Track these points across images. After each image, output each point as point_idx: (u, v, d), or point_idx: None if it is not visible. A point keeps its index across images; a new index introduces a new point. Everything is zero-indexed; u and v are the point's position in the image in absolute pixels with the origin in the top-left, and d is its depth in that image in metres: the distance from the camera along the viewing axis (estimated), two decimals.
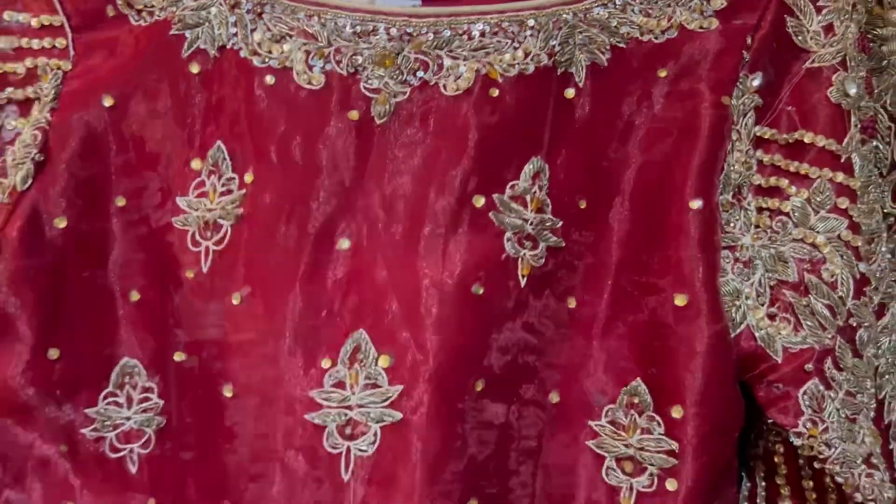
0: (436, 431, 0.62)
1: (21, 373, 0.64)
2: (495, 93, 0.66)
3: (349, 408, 0.62)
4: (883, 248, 0.69)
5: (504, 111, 0.66)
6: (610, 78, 0.68)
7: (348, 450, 0.62)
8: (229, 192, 0.67)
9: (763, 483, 0.71)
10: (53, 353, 0.65)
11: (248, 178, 0.67)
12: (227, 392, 0.65)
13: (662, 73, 0.68)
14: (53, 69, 0.67)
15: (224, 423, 0.66)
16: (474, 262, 0.64)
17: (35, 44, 0.67)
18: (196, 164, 0.67)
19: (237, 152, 0.67)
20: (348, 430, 0.62)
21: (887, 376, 0.68)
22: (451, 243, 0.64)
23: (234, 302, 0.66)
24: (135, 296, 0.67)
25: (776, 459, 0.70)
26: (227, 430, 0.66)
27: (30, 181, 0.65)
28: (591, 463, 0.67)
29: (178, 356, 0.67)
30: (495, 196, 0.65)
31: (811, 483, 0.69)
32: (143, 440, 0.66)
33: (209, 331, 0.67)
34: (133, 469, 0.67)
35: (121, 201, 0.67)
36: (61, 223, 0.65)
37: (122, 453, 0.66)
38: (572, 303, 0.68)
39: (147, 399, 0.67)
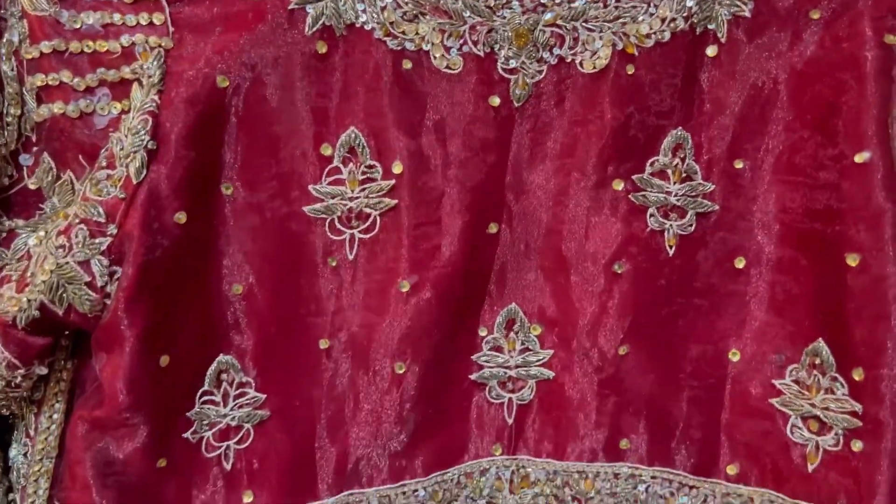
0: (583, 392, 0.61)
1: (129, 383, 0.54)
2: (631, 70, 0.57)
3: (508, 367, 0.61)
4: None
5: (639, 89, 0.57)
6: (755, 27, 0.57)
7: (510, 400, 0.61)
8: (371, 180, 0.58)
9: None
10: (164, 360, 0.55)
11: (397, 168, 0.58)
12: (399, 369, 0.60)
13: (815, 15, 0.57)
14: (154, 47, 0.54)
15: (379, 400, 0.61)
16: (615, 242, 0.60)
17: (129, 20, 0.55)
18: (327, 149, 0.57)
19: (377, 140, 0.58)
20: (510, 385, 0.61)
21: None
22: (591, 227, 0.60)
23: (403, 290, 0.59)
24: (237, 289, 0.58)
25: None
26: (395, 406, 0.61)
27: (144, 172, 0.53)
28: (776, 420, 0.61)
29: (324, 343, 0.60)
30: (635, 177, 0.59)
31: None
32: (239, 436, 0.59)
33: (367, 317, 0.60)
34: (227, 465, 0.59)
35: (228, 189, 0.56)
36: (182, 218, 0.54)
37: (217, 451, 0.59)
38: (740, 263, 0.60)
39: (243, 394, 0.59)
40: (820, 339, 0.58)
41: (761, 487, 0.61)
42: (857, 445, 0.57)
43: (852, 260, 0.55)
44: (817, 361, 0.58)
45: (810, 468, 0.59)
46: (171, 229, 0.54)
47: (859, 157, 0.55)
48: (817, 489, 0.59)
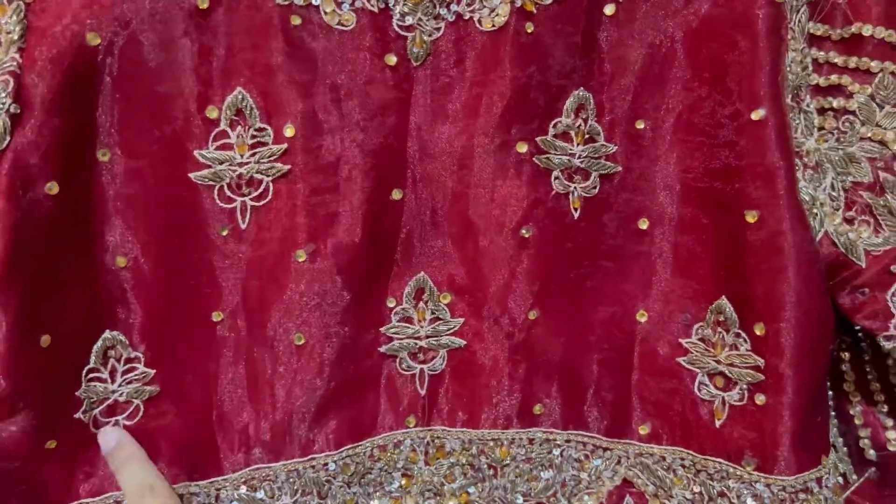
0: (495, 359, 0.59)
1: (7, 368, 0.48)
2: (531, 28, 0.54)
3: (419, 338, 0.57)
4: None
5: (540, 49, 0.54)
6: None
7: (421, 371, 0.58)
8: (261, 144, 0.53)
9: (831, 392, 0.63)
10: (45, 340, 0.50)
11: (289, 131, 0.53)
12: (298, 340, 0.55)
13: None
14: (12, 0, 0.47)
15: (280, 373, 0.56)
16: (521, 206, 0.56)
17: None
18: (212, 112, 0.52)
19: (266, 101, 0.53)
20: (420, 356, 0.58)
21: None
22: (497, 190, 0.56)
23: (300, 259, 0.54)
24: (121, 261, 0.52)
25: (843, 367, 0.61)
26: (298, 379, 0.56)
27: (8, 139, 0.47)
28: (684, 378, 0.59)
29: (217, 316, 0.55)
30: (538, 139, 0.56)
31: (878, 385, 0.61)
32: (128, 411, 0.54)
33: (262, 288, 0.55)
34: None
35: (104, 155, 0.51)
36: (53, 188, 0.48)
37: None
38: (644, 224, 0.58)
39: (132, 370, 0.54)
40: (723, 296, 0.56)
41: (672, 446, 0.60)
42: (760, 399, 0.55)
43: (751, 217, 0.54)
44: (721, 318, 0.57)
45: (717, 424, 0.58)
46: (43, 201, 0.48)
47: (755, 115, 0.53)
48: (724, 444, 0.57)
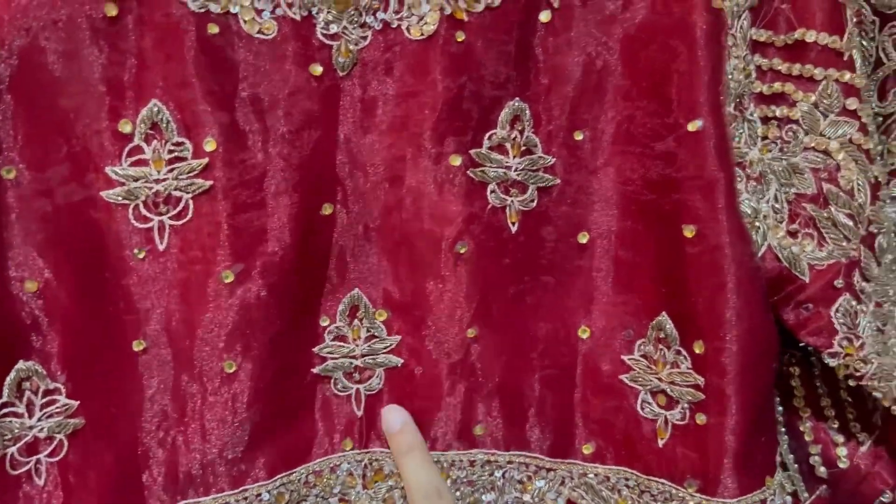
0: (433, 378, 0.56)
1: None
2: (461, 37, 0.51)
3: (354, 357, 0.55)
4: (879, 149, 0.57)
5: (472, 58, 0.52)
6: None
7: (358, 391, 0.56)
8: (180, 159, 0.50)
9: (780, 408, 0.61)
10: None
11: (209, 145, 0.50)
12: (229, 368, 0.52)
13: None
14: None
15: (210, 402, 0.53)
16: (456, 221, 0.54)
17: None
18: (126, 126, 0.48)
19: (184, 114, 0.49)
20: (356, 376, 0.55)
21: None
22: (431, 204, 0.54)
23: (226, 281, 0.51)
24: (31, 286, 0.49)
25: (792, 383, 0.59)
26: (228, 407, 0.53)
27: None
28: (627, 396, 0.56)
29: (138, 345, 0.51)
30: (473, 152, 0.53)
31: (829, 401, 0.59)
32: (51, 448, 0.50)
33: (186, 313, 0.52)
34: (40, 481, 0.50)
35: (9, 173, 0.47)
36: None
37: (25, 467, 0.50)
38: (584, 238, 0.56)
39: (52, 402, 0.50)
40: (664, 312, 0.54)
41: (617, 465, 0.57)
42: (700, 419, 0.53)
43: (689, 231, 0.51)
44: (662, 335, 0.55)
45: (660, 443, 0.55)
46: None
47: (692, 126, 0.51)
48: (668, 464, 0.55)
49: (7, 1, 0.46)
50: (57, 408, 0.50)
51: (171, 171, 0.50)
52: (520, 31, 0.53)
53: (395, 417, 0.53)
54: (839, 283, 0.51)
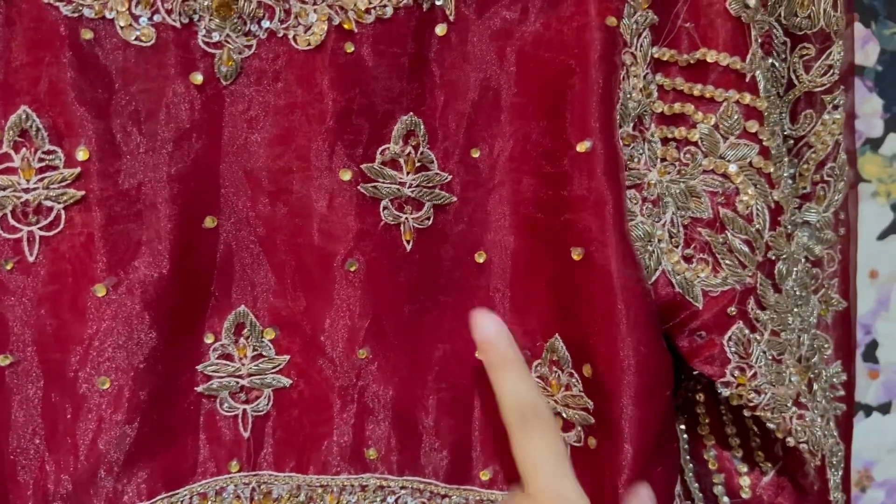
0: (323, 400, 0.54)
1: None
2: (351, 48, 0.50)
3: (240, 377, 0.53)
4: (785, 174, 0.56)
5: (362, 70, 0.50)
6: (484, 4, 0.51)
7: (244, 412, 0.54)
8: (51, 168, 0.48)
9: (685, 435, 0.59)
10: None
11: (82, 154, 0.48)
12: (103, 384, 0.50)
13: None
14: None
15: (83, 420, 0.50)
16: (346, 237, 0.52)
17: None
18: None
19: (55, 122, 0.48)
20: (243, 396, 0.53)
21: (795, 309, 0.55)
22: (319, 220, 0.52)
23: (99, 294, 0.49)
24: None
25: (698, 409, 0.57)
26: (103, 426, 0.51)
27: None
28: None
29: (4, 359, 0.49)
30: (364, 166, 0.51)
31: (734, 429, 0.57)
32: None
33: (57, 327, 0.50)
34: None
35: None
36: None
37: None
38: (481, 257, 0.54)
39: None
40: (556, 334, 0.52)
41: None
42: (591, 442, 0.51)
43: (577, 254, 0.50)
44: (555, 357, 0.53)
45: None
46: None
47: (581, 146, 0.49)
48: None
49: None
50: None
51: (42, 180, 0.48)
52: (414, 44, 0.51)
53: (487, 323, 0.46)
54: (732, 310, 0.50)
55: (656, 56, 0.52)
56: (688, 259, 0.51)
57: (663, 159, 0.52)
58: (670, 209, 0.51)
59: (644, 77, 0.51)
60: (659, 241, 0.51)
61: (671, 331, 0.51)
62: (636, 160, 0.51)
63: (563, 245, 0.50)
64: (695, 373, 0.52)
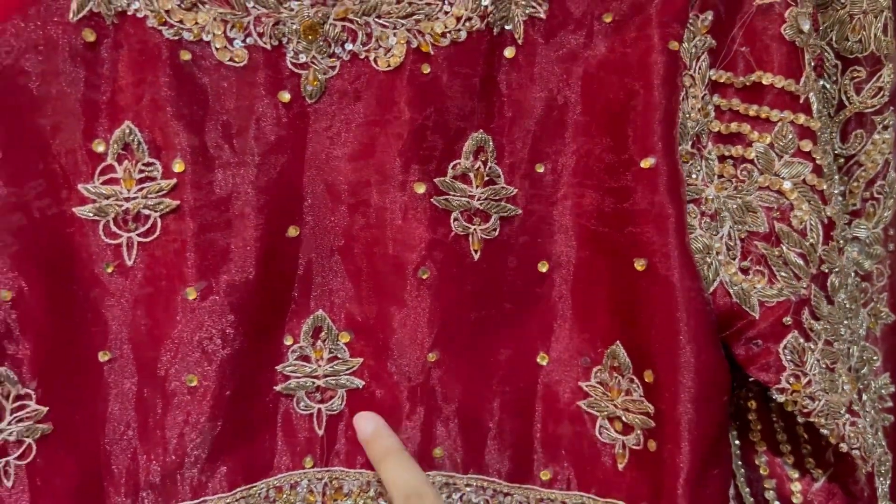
0: (394, 401, 0.56)
1: None
2: (427, 69, 0.53)
3: (317, 377, 0.56)
4: (836, 191, 0.58)
5: (437, 90, 0.53)
6: (551, 29, 0.54)
7: (319, 411, 0.56)
8: (150, 178, 0.51)
9: (737, 441, 0.61)
10: None
11: (178, 166, 0.51)
12: (191, 382, 0.53)
13: (608, 19, 0.53)
14: None
15: (172, 415, 0.53)
16: (419, 247, 0.55)
17: None
18: (99, 146, 0.50)
19: (155, 136, 0.51)
20: (318, 396, 0.56)
21: (846, 321, 0.57)
22: (395, 230, 0.55)
23: (190, 297, 0.52)
24: (6, 295, 0.50)
25: (749, 417, 0.59)
26: (190, 421, 0.54)
27: None
28: (585, 422, 0.57)
29: (104, 356, 0.53)
30: (437, 180, 0.54)
31: (785, 436, 0.58)
32: (20, 451, 0.51)
33: (151, 327, 0.53)
34: (8, 483, 0.51)
35: None
36: None
37: None
38: (544, 267, 0.57)
39: (22, 407, 0.50)
40: (618, 341, 0.55)
41: (574, 491, 0.57)
42: (652, 445, 0.53)
43: (639, 264, 0.52)
44: (616, 363, 0.55)
45: (620, 467, 0.56)
46: None
47: (645, 163, 0.52)
48: (626, 489, 0.55)
49: None
50: (27, 413, 0.51)
51: (141, 190, 0.51)
52: (484, 66, 0.54)
53: (366, 424, 0.53)
54: (788, 320, 0.52)
55: (713, 78, 0.54)
56: (744, 271, 0.53)
57: (720, 176, 0.54)
58: (727, 223, 0.54)
59: (702, 98, 0.54)
60: (717, 253, 0.53)
61: (728, 339, 0.54)
62: (694, 176, 0.54)
63: (625, 256, 0.53)
64: (751, 379, 0.53)
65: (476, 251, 0.56)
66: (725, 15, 0.54)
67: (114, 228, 0.52)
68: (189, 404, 0.53)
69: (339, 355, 0.56)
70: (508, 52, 0.54)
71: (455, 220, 0.55)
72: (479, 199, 0.55)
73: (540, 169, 0.55)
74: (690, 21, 0.52)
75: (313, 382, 0.56)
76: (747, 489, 0.60)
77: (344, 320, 0.56)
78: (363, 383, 0.57)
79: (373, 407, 0.57)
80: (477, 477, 0.58)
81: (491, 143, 0.55)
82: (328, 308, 0.56)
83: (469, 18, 0.53)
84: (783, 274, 0.52)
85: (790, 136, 0.53)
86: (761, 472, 0.60)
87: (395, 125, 0.53)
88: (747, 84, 0.54)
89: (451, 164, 0.55)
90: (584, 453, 0.57)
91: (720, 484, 0.54)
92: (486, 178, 0.55)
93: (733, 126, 0.54)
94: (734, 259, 0.53)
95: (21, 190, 0.50)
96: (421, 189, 0.54)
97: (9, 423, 0.51)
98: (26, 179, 0.50)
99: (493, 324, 0.57)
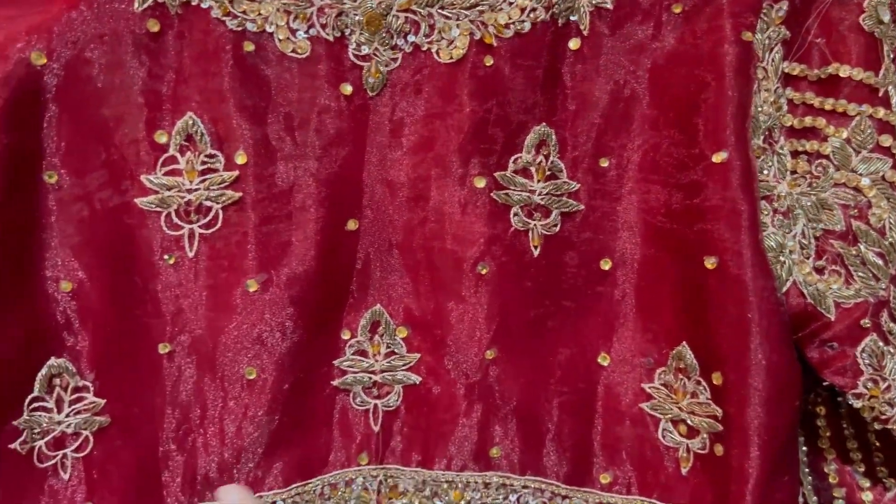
0: (451, 398, 0.55)
1: None
2: (490, 61, 0.51)
3: (373, 372, 0.55)
4: None
5: (500, 82, 0.52)
6: (618, 20, 0.52)
7: (375, 406, 0.55)
8: (212, 170, 0.51)
9: (804, 448, 0.58)
10: None
11: (241, 158, 0.51)
12: (250, 375, 0.52)
13: (677, 9, 0.52)
14: None
15: (230, 408, 0.53)
16: (478, 242, 0.54)
17: None
18: (161, 137, 0.50)
19: (217, 127, 0.51)
20: (375, 391, 0.55)
21: None
22: (454, 224, 0.53)
23: (251, 290, 0.52)
24: (66, 286, 0.49)
25: (818, 422, 0.57)
26: (248, 414, 0.53)
27: None
28: (647, 424, 0.55)
29: (163, 348, 0.52)
30: (497, 174, 0.53)
31: (855, 443, 0.56)
32: (77, 443, 0.51)
33: (211, 319, 0.52)
34: (65, 476, 0.51)
35: (52, 177, 0.48)
36: None
37: (52, 461, 0.50)
38: (606, 264, 0.55)
39: (80, 399, 0.50)
40: (684, 342, 0.53)
41: (634, 495, 0.55)
42: (718, 450, 0.51)
43: (710, 263, 0.50)
44: (682, 365, 0.53)
45: (684, 471, 0.54)
46: None
47: (717, 157, 0.50)
48: (689, 493, 0.54)
49: (56, 16, 0.47)
50: (84, 405, 0.51)
51: (203, 181, 0.51)
52: (548, 57, 0.52)
53: (230, 499, 0.47)
54: (866, 322, 0.49)
55: (786, 70, 0.52)
56: (819, 270, 0.51)
57: (793, 172, 0.52)
58: (801, 221, 0.51)
59: (774, 91, 0.52)
60: (790, 252, 0.51)
61: (801, 341, 0.51)
62: (766, 172, 0.52)
63: (694, 254, 0.51)
64: (825, 383, 0.51)
65: (536, 247, 0.54)
66: (801, 4, 0.51)
67: (176, 220, 0.51)
68: (248, 398, 0.53)
69: (397, 350, 0.55)
70: (573, 44, 0.52)
71: (515, 215, 0.54)
72: (539, 194, 0.54)
73: (604, 163, 0.54)
74: (764, 11, 0.50)
75: (370, 377, 0.55)
76: (815, 498, 0.58)
77: (402, 315, 0.55)
78: (420, 379, 0.56)
79: (429, 403, 0.56)
80: (534, 479, 0.56)
81: (553, 137, 0.53)
82: (386, 302, 0.55)
83: (534, 9, 0.51)
84: (861, 274, 0.50)
85: (868, 131, 0.51)
86: (830, 480, 0.57)
87: (455, 118, 0.52)
88: (822, 77, 0.52)
89: (513, 158, 0.53)
90: (646, 457, 0.55)
91: (789, 491, 0.52)
92: (548, 173, 0.54)
93: (807, 120, 0.52)
94: (808, 258, 0.51)
95: (83, 181, 0.50)
96: (481, 183, 0.53)
97: (66, 415, 0.51)
98: (89, 171, 0.50)
99: (552, 322, 0.56)
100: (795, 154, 0.52)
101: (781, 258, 0.50)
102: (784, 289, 0.50)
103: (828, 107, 0.51)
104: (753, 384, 0.49)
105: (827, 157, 0.51)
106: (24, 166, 0.48)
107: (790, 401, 0.50)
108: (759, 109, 0.51)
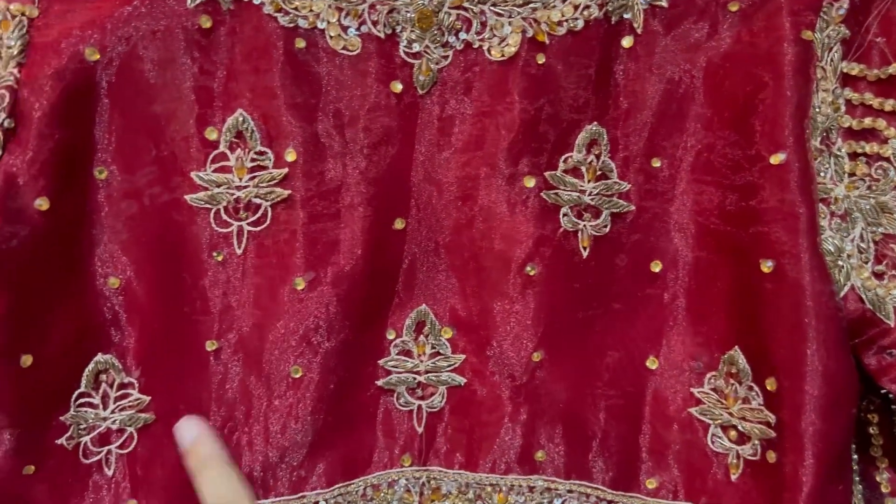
0: (496, 400, 0.55)
1: None
2: (542, 59, 0.51)
3: (418, 373, 0.54)
4: None
5: (551, 80, 0.51)
6: (672, 18, 0.51)
7: (419, 407, 0.54)
8: (261, 168, 0.50)
9: (856, 455, 0.57)
10: (26, 360, 0.47)
11: (290, 156, 0.50)
12: (296, 373, 0.52)
13: (734, 7, 0.51)
14: (15, 15, 0.46)
15: (275, 406, 0.53)
16: (527, 242, 0.53)
17: None
18: (212, 133, 0.49)
19: (267, 124, 0.50)
20: (419, 392, 0.54)
21: None
22: (502, 224, 0.53)
23: (298, 288, 0.51)
24: (114, 282, 0.50)
25: (871, 430, 0.55)
26: (293, 413, 0.53)
27: (0, 153, 0.45)
28: (696, 430, 0.54)
29: (211, 345, 0.52)
30: (547, 174, 0.52)
31: None
32: (121, 440, 0.51)
33: (258, 317, 0.52)
34: (109, 472, 0.51)
35: (102, 173, 0.48)
36: (44, 204, 0.46)
37: (97, 457, 0.50)
38: (657, 266, 0.54)
39: (125, 396, 0.51)
40: (736, 346, 0.52)
41: (681, 500, 0.55)
42: (771, 457, 0.50)
43: (766, 266, 0.49)
44: (733, 370, 0.52)
45: (734, 478, 0.53)
46: (31, 216, 0.46)
47: (775, 159, 0.49)
48: (738, 500, 0.52)
49: (110, 12, 0.47)
50: (130, 402, 0.51)
51: (253, 178, 0.50)
52: (601, 56, 0.51)
53: (186, 432, 0.45)
54: None
55: (845, 70, 0.51)
56: (878, 275, 0.50)
57: (852, 174, 0.51)
58: (859, 224, 0.50)
59: (833, 91, 0.50)
60: (849, 256, 0.50)
61: (857, 347, 0.50)
62: (823, 174, 0.50)
63: (750, 257, 0.50)
64: (882, 391, 0.50)
65: (585, 248, 0.54)
66: (861, 3, 0.50)
67: (225, 217, 0.51)
68: (293, 396, 0.52)
69: (442, 351, 0.55)
70: (626, 42, 0.52)
71: (564, 215, 0.53)
72: (590, 194, 0.53)
73: (656, 164, 0.53)
74: (824, 9, 0.49)
75: (414, 378, 0.55)
76: None
77: (447, 315, 0.55)
78: (464, 380, 0.55)
79: (474, 406, 0.55)
80: (579, 483, 0.55)
81: (605, 136, 0.52)
82: (431, 302, 0.55)
83: (587, 7, 0.50)
84: None
85: None
86: (882, 489, 0.56)
87: (506, 117, 0.51)
88: (882, 77, 0.50)
89: (563, 158, 0.52)
90: (694, 462, 0.54)
91: (843, 500, 0.51)
92: (599, 173, 0.53)
93: (867, 121, 0.51)
94: (867, 262, 0.50)
95: (133, 177, 0.49)
96: (531, 183, 0.52)
97: (112, 412, 0.51)
98: (139, 167, 0.50)
99: (600, 324, 0.55)
100: (854, 156, 0.51)
101: (839, 262, 0.49)
102: (842, 294, 0.49)
103: (888, 108, 0.50)
104: (809, 391, 0.48)
105: (888, 159, 0.50)
106: (76, 162, 0.48)
107: (846, 408, 0.49)
108: (817, 110, 0.50)
